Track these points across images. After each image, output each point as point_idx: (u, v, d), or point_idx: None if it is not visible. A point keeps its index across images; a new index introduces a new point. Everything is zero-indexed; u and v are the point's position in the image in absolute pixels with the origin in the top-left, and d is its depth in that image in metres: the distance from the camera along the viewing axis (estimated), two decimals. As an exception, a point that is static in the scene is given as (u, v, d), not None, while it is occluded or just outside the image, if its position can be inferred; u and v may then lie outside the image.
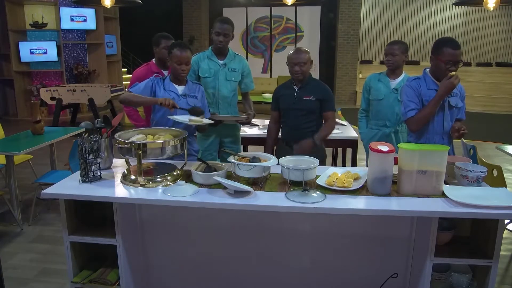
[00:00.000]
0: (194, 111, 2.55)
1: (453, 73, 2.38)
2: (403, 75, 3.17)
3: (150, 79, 2.67)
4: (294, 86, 2.84)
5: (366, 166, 2.14)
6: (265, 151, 3.02)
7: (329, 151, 3.21)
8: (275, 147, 3.08)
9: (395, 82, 3.16)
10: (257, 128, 3.88)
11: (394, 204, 1.91)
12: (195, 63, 3.09)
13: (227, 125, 3.17)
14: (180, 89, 2.68)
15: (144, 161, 2.18)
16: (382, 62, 11.51)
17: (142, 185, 2.09)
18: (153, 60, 3.34)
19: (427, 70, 2.56)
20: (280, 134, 3.02)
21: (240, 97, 3.37)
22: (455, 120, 2.58)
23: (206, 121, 2.57)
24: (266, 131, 3.59)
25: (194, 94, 2.73)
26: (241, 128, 3.51)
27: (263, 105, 9.09)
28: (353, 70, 11.20)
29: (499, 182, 2.65)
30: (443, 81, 2.40)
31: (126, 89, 2.60)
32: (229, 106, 3.22)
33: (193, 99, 2.71)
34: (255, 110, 3.30)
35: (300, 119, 2.81)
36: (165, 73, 3.25)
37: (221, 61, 3.15)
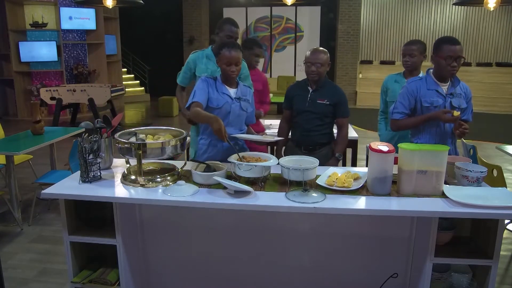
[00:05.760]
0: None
1: (457, 114, 2.37)
2: (420, 75, 3.11)
3: (203, 80, 2.48)
4: (309, 88, 2.79)
5: (366, 166, 2.14)
6: (276, 150, 3.03)
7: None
8: (284, 146, 3.05)
9: None
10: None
11: (394, 204, 1.91)
12: (192, 62, 3.05)
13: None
14: (232, 91, 2.50)
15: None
16: (382, 62, 11.52)
17: (142, 185, 2.09)
18: None
19: (431, 70, 2.56)
20: (290, 134, 2.98)
21: None
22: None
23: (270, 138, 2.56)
24: (266, 131, 3.57)
25: (246, 98, 2.56)
26: None
27: (263, 105, 9.07)
28: (353, 70, 11.20)
29: (499, 182, 2.65)
30: (442, 112, 2.41)
31: (191, 100, 2.41)
32: None
33: (245, 103, 2.55)
34: None
35: (312, 122, 2.77)
36: None
37: None
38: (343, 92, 2.88)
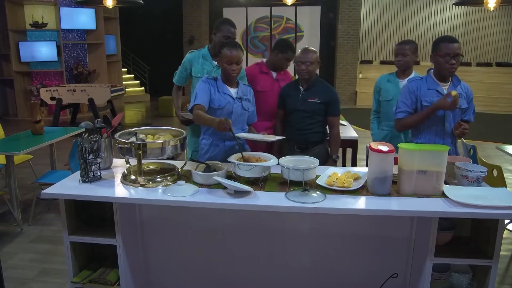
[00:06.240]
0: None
1: (455, 92, 2.37)
2: (413, 74, 3.13)
3: (204, 81, 2.50)
4: (300, 87, 2.82)
5: (366, 166, 2.14)
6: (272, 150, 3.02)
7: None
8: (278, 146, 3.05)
9: (404, 82, 3.13)
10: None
11: (394, 204, 1.91)
12: (188, 61, 3.05)
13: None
14: (233, 91, 2.52)
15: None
16: (382, 62, 11.51)
17: (142, 185, 2.09)
18: (263, 60, 3.24)
19: (431, 70, 2.57)
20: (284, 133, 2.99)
21: None
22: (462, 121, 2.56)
23: (272, 137, 2.50)
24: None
25: (247, 97, 2.58)
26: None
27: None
28: (353, 70, 11.20)
29: (499, 182, 2.65)
30: (442, 100, 2.40)
31: (194, 103, 2.43)
32: None
33: (247, 102, 2.56)
34: None
35: (305, 120, 2.80)
36: (274, 74, 3.17)
37: (215, 62, 3.10)
38: (335, 91, 2.90)
